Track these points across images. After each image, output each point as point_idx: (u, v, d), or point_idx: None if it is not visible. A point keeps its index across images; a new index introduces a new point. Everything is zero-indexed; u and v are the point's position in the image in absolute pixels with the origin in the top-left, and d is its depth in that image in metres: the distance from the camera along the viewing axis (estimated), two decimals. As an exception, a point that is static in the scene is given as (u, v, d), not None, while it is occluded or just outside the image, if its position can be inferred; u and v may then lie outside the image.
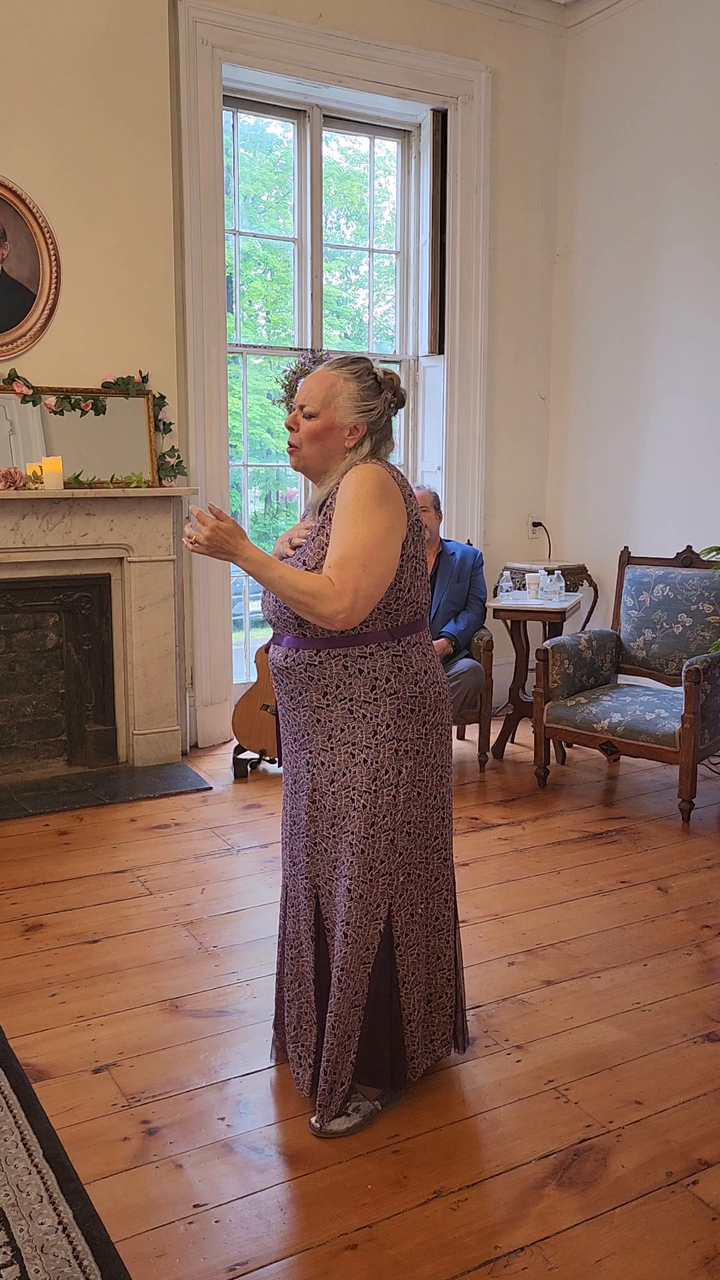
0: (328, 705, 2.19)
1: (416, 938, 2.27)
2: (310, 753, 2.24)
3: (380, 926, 2.21)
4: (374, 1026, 2.24)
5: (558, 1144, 2.18)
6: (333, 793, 2.21)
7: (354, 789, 2.18)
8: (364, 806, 2.17)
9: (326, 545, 2.13)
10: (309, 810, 2.25)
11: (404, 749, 2.19)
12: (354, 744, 2.18)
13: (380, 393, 2.19)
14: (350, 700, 2.17)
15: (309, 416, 2.18)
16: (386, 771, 2.18)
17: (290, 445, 2.24)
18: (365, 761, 2.17)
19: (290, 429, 2.22)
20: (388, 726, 2.18)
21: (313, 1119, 2.23)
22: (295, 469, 2.26)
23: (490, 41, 5.38)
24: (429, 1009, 2.33)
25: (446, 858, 2.32)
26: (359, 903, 2.18)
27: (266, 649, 2.40)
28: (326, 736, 2.21)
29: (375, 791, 2.17)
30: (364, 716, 2.17)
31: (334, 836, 2.22)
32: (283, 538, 2.32)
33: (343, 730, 2.19)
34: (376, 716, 2.17)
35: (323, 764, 2.22)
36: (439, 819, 2.29)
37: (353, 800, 2.18)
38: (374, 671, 2.16)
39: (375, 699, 2.17)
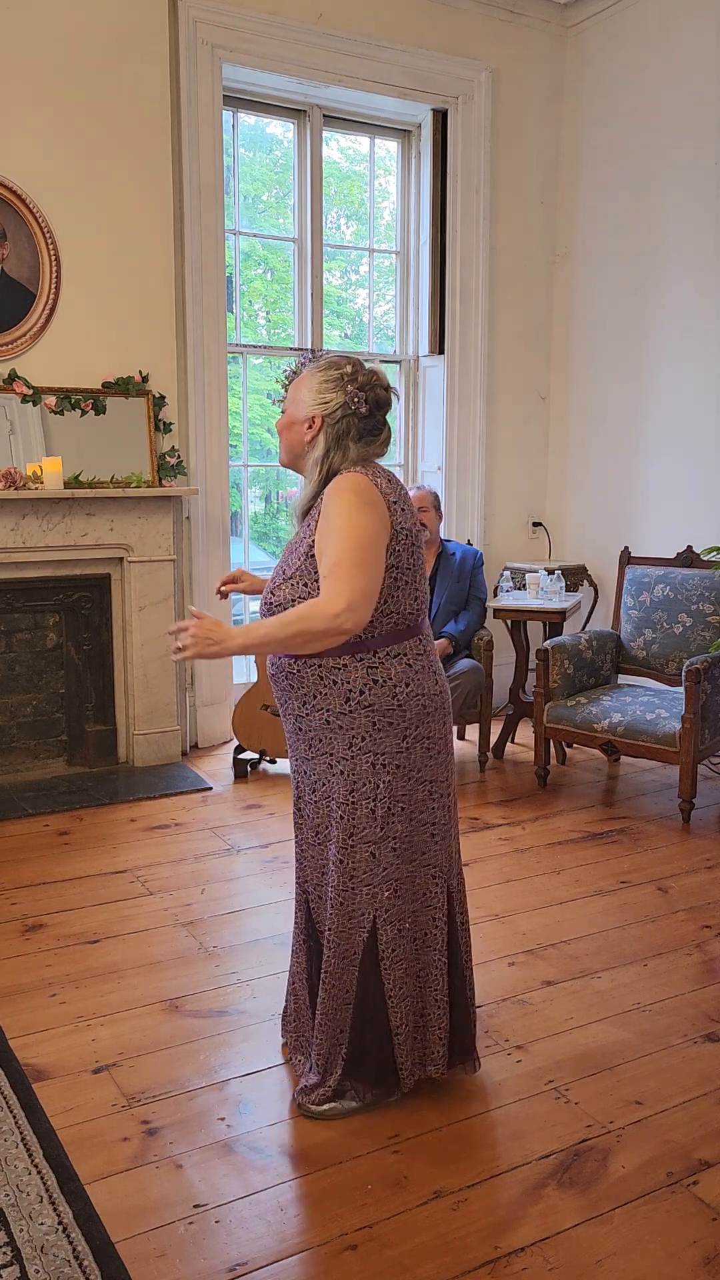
0: (307, 714, 2.19)
1: (403, 953, 2.24)
2: (295, 760, 2.28)
3: (364, 935, 2.21)
4: (363, 1030, 2.24)
5: (558, 1144, 2.18)
6: (314, 801, 2.24)
7: (332, 799, 2.19)
8: (342, 818, 2.17)
9: (306, 554, 2.14)
10: (295, 817, 2.31)
11: (381, 763, 2.16)
12: (331, 755, 2.18)
13: (341, 386, 2.12)
14: (327, 711, 2.16)
15: (283, 413, 2.24)
16: (364, 784, 2.16)
17: None
18: (342, 773, 2.17)
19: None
20: (363, 739, 2.15)
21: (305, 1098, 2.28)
22: (281, 465, 2.29)
23: (490, 41, 5.37)
24: (420, 1024, 2.28)
25: (436, 874, 2.25)
26: (339, 910, 2.19)
27: None
28: (307, 745, 2.22)
29: (353, 803, 2.17)
30: (340, 728, 2.16)
31: (318, 844, 2.25)
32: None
33: (321, 740, 2.19)
34: (352, 729, 2.15)
35: (305, 772, 2.25)
36: (428, 834, 2.23)
37: (331, 810, 2.19)
38: (347, 684, 2.13)
39: (350, 710, 2.14)
